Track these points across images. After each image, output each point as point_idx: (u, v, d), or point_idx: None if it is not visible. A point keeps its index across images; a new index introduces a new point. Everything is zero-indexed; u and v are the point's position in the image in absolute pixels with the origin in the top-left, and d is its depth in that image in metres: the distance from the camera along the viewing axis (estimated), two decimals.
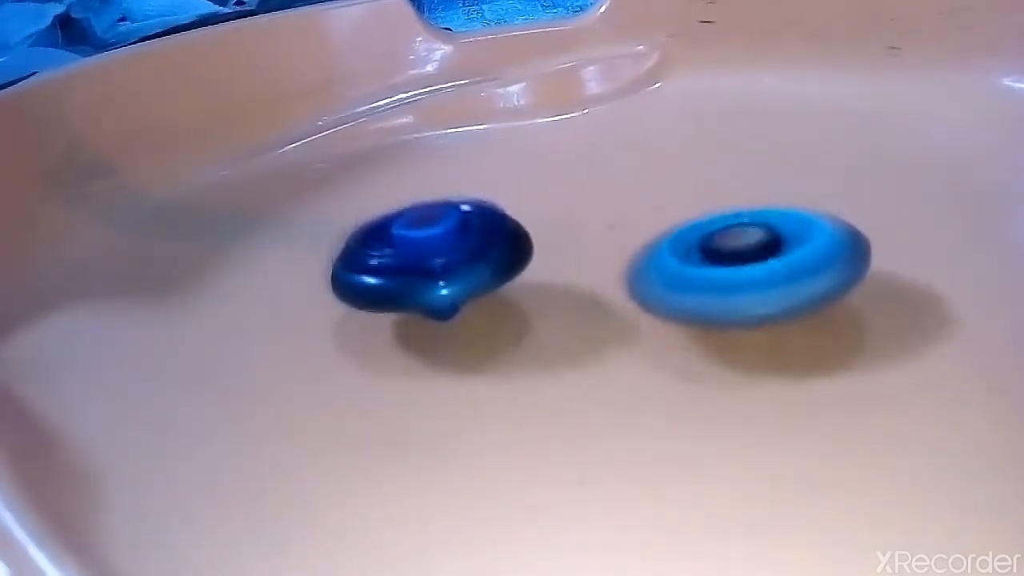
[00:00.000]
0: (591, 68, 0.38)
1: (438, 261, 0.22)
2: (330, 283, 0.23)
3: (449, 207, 0.23)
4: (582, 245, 0.27)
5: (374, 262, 0.22)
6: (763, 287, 0.20)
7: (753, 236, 0.21)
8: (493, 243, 0.22)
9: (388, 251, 0.22)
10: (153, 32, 0.47)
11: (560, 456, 0.20)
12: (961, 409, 0.20)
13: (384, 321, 0.24)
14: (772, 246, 0.21)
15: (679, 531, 0.18)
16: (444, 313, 0.22)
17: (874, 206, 0.27)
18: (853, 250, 0.21)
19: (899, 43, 0.35)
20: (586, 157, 0.33)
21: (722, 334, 0.22)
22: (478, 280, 0.22)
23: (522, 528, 0.18)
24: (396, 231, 0.22)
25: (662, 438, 0.20)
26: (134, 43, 0.42)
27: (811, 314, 0.20)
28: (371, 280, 0.22)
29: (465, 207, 0.23)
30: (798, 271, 0.20)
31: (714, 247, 0.21)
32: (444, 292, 0.21)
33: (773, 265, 0.20)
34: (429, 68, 0.38)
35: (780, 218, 0.22)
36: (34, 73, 0.34)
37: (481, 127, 0.36)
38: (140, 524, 0.19)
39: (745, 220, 0.22)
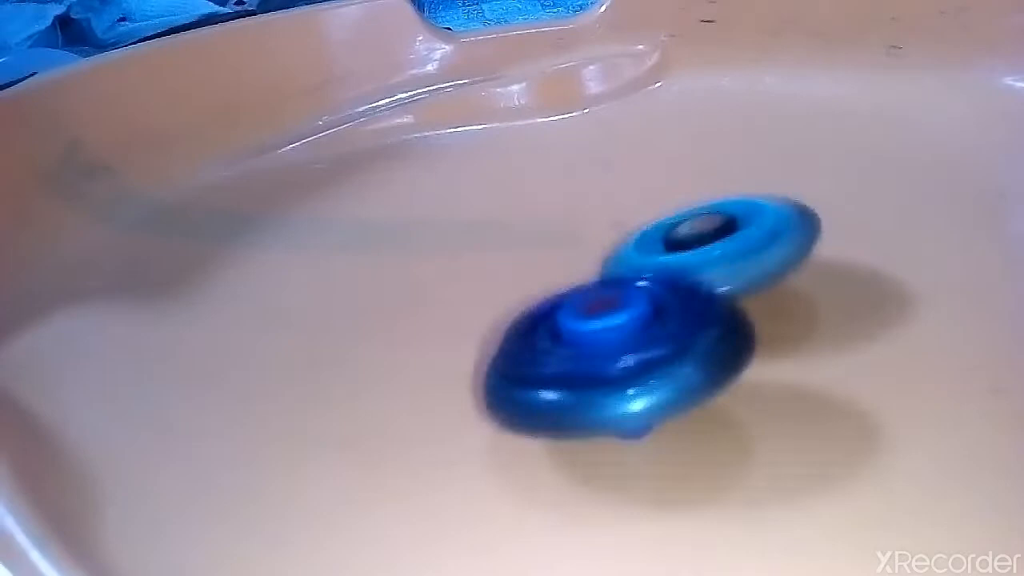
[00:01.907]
0: (591, 68, 0.38)
1: (623, 363, 0.16)
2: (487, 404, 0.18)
3: (631, 288, 0.17)
4: (583, 244, 0.27)
5: (540, 370, 0.17)
6: (714, 265, 0.21)
7: (709, 224, 0.22)
8: (701, 331, 0.16)
9: (556, 352, 0.17)
10: (153, 32, 0.47)
11: (561, 456, 0.20)
12: (961, 409, 0.20)
13: (384, 321, 0.24)
14: (727, 231, 0.22)
15: (679, 531, 0.18)
16: (636, 431, 0.17)
17: (874, 205, 0.27)
18: (798, 224, 0.21)
19: (899, 43, 0.35)
20: (586, 157, 0.33)
21: None
22: (682, 385, 0.16)
23: (523, 529, 0.18)
24: (565, 325, 0.17)
25: (662, 438, 0.20)
26: (134, 43, 0.42)
27: (768, 287, 0.21)
28: (538, 398, 0.16)
29: (652, 285, 0.18)
30: (746, 248, 0.21)
31: (674, 238, 0.22)
32: (634, 407, 0.16)
33: (722, 245, 0.21)
34: (429, 68, 0.38)
35: (733, 206, 0.22)
36: (34, 73, 0.34)
37: (481, 127, 0.36)
38: (139, 524, 0.19)
39: (701, 211, 0.23)
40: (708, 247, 0.21)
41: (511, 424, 0.17)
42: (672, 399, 0.16)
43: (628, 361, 0.16)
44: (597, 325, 0.17)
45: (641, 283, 0.18)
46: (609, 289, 0.18)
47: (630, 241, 0.23)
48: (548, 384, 0.16)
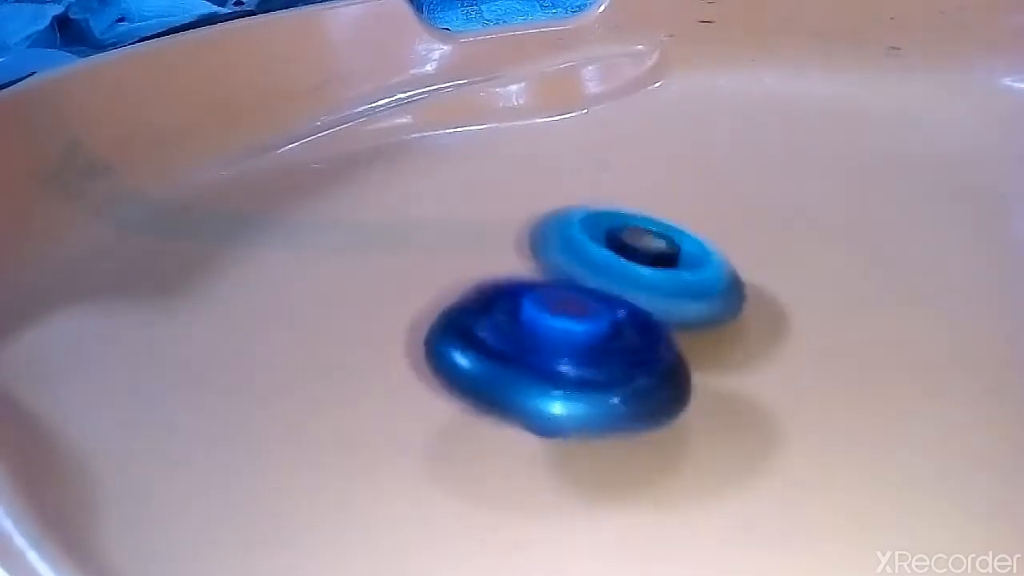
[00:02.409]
0: (591, 68, 0.38)
1: (563, 367, 0.17)
2: (423, 344, 0.18)
3: (604, 303, 0.18)
4: None
5: (484, 336, 0.17)
6: (652, 291, 0.20)
7: (657, 244, 0.22)
8: (644, 369, 0.17)
9: (508, 329, 0.18)
10: (152, 32, 0.47)
11: (562, 457, 0.20)
12: (961, 409, 0.20)
13: (384, 321, 0.24)
14: (667, 260, 0.22)
15: (679, 532, 0.18)
16: (544, 430, 0.17)
17: (873, 205, 0.27)
18: (729, 290, 0.22)
19: (899, 43, 0.35)
20: (586, 157, 0.33)
21: (721, 339, 0.22)
22: (604, 413, 0.17)
23: (525, 529, 0.18)
24: (527, 309, 0.18)
25: (661, 439, 0.20)
26: (133, 43, 0.42)
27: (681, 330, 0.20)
28: (467, 360, 0.17)
29: (621, 311, 0.18)
30: (680, 290, 0.21)
31: (620, 238, 0.22)
32: (552, 409, 0.16)
33: (666, 275, 0.21)
34: (428, 68, 0.38)
35: (687, 241, 0.22)
36: (33, 73, 0.34)
37: (481, 127, 0.36)
38: (139, 524, 0.19)
39: (654, 229, 0.23)
40: (640, 266, 0.21)
41: (440, 373, 0.18)
42: (589, 421, 0.17)
43: (568, 368, 0.17)
44: (555, 323, 0.17)
45: (611, 300, 0.18)
46: (582, 294, 0.18)
47: (578, 214, 0.23)
48: (490, 353, 0.17)
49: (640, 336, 0.18)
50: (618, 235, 0.22)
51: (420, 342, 0.23)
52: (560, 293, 0.18)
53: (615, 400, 0.17)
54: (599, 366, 0.17)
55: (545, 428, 0.17)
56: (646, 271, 0.21)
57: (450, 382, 0.18)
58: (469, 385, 0.17)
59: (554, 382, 0.16)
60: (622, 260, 0.21)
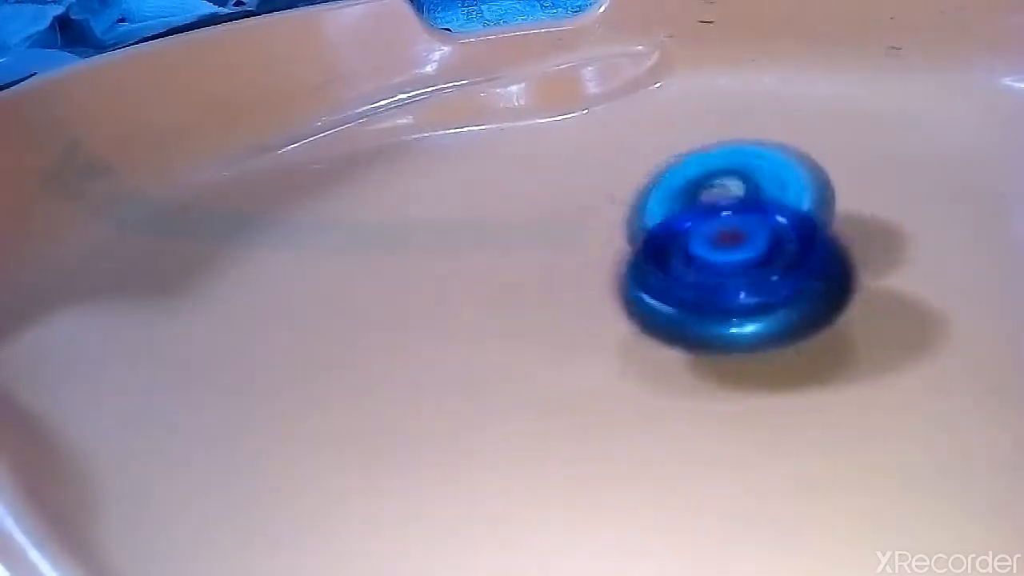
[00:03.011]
0: (591, 68, 0.38)
1: (740, 297, 0.19)
2: (621, 289, 0.21)
3: (760, 217, 0.20)
4: (582, 244, 0.27)
5: (672, 290, 0.20)
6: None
7: (734, 190, 0.22)
8: (807, 273, 0.19)
9: (686, 275, 0.20)
10: (152, 33, 0.47)
11: (562, 456, 0.20)
12: (961, 409, 0.20)
13: (384, 321, 0.24)
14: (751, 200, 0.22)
15: (680, 531, 0.18)
16: (735, 351, 0.19)
17: (873, 206, 0.27)
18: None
19: (899, 43, 0.35)
20: (586, 157, 0.33)
21: None
22: (783, 329, 0.19)
23: (526, 528, 0.18)
24: (696, 252, 0.20)
25: (661, 439, 0.20)
26: (133, 44, 0.42)
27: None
28: (660, 306, 0.20)
29: (781, 218, 0.20)
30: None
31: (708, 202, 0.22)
32: (742, 329, 0.19)
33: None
34: (429, 68, 0.38)
35: (755, 164, 0.23)
36: (33, 74, 0.34)
37: (481, 127, 0.36)
38: (139, 524, 0.19)
39: (722, 166, 0.23)
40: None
41: (644, 327, 0.20)
42: (770, 339, 0.19)
43: (744, 296, 0.19)
44: (723, 258, 0.20)
45: (764, 209, 0.21)
46: (736, 215, 0.21)
47: (652, 189, 0.23)
48: (677, 303, 0.20)
49: (798, 238, 0.20)
50: (697, 198, 0.23)
51: (420, 342, 0.23)
52: (723, 223, 0.20)
53: (786, 315, 0.19)
54: (768, 285, 0.19)
55: (736, 350, 0.19)
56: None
57: (650, 325, 0.20)
58: (665, 328, 0.20)
59: (740, 314, 0.19)
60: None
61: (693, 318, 0.20)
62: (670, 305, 0.20)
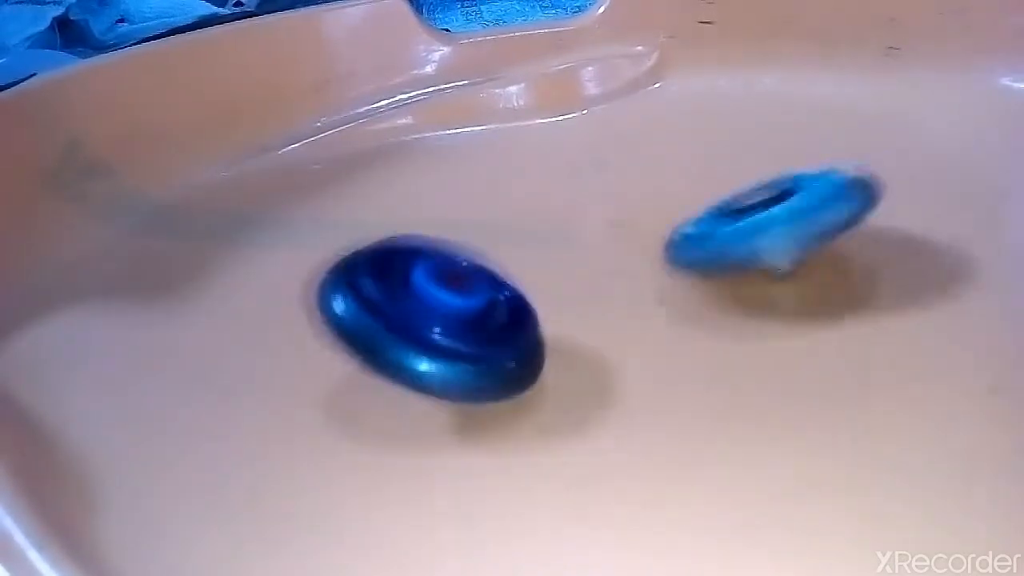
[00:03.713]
0: (591, 68, 0.38)
1: (440, 337, 0.19)
2: (317, 289, 0.20)
3: (487, 282, 0.20)
4: (583, 243, 0.27)
5: (372, 295, 0.19)
6: (777, 223, 0.22)
7: (767, 192, 0.23)
8: (505, 350, 0.20)
9: (396, 292, 0.20)
10: (152, 34, 0.47)
11: (563, 455, 0.20)
12: (961, 409, 0.20)
13: None
14: (784, 196, 0.23)
15: (680, 531, 0.18)
16: (409, 385, 0.19)
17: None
18: (851, 189, 0.22)
19: (899, 43, 0.35)
20: (585, 157, 0.33)
21: (718, 340, 0.22)
22: (462, 380, 0.19)
23: (527, 528, 0.18)
24: (416, 277, 0.20)
25: (662, 440, 0.20)
26: (133, 45, 0.42)
27: (817, 248, 0.22)
28: (353, 314, 0.19)
29: (505, 293, 0.20)
30: (797, 209, 0.22)
31: (735, 207, 0.23)
32: (424, 367, 0.19)
33: (775, 209, 0.22)
34: (428, 69, 0.38)
35: (800, 178, 0.23)
36: (33, 75, 0.34)
37: (481, 127, 0.36)
38: (138, 524, 0.19)
39: (766, 183, 0.24)
40: (760, 212, 0.22)
41: (327, 314, 0.19)
42: (447, 384, 0.19)
43: (439, 336, 0.19)
44: (438, 294, 0.20)
45: (498, 282, 0.20)
46: (474, 271, 0.20)
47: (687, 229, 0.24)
48: (374, 310, 0.19)
49: (510, 317, 0.20)
50: (732, 207, 0.23)
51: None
52: (454, 266, 0.20)
53: (471, 371, 0.19)
54: (466, 339, 0.19)
55: (409, 383, 0.19)
56: (774, 208, 0.22)
57: (330, 327, 0.19)
58: (358, 336, 0.19)
59: (423, 346, 0.19)
60: (749, 216, 0.22)
61: (385, 335, 0.19)
62: (371, 317, 0.19)
